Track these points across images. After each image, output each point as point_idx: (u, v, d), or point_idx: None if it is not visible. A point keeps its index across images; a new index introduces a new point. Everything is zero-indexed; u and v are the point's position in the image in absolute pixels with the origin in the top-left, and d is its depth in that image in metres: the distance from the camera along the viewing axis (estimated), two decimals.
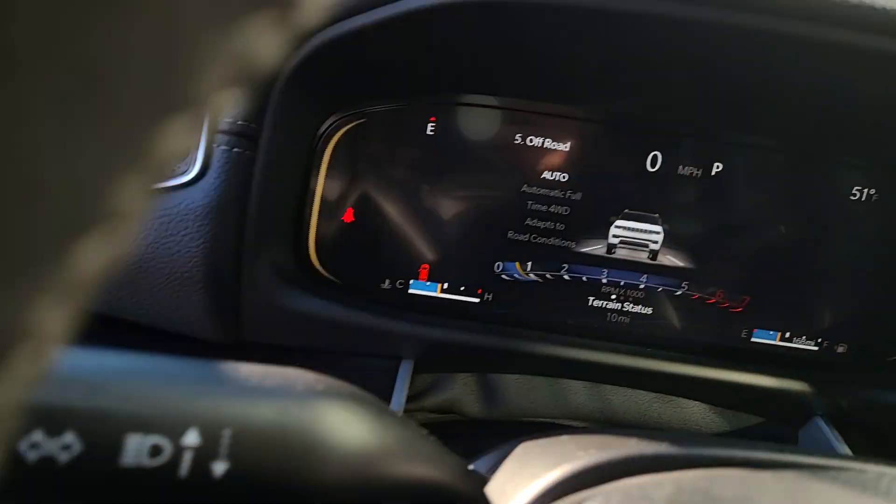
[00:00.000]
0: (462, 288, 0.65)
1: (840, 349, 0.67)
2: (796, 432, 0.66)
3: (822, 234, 0.64)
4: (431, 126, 0.60)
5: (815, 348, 0.67)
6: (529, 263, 0.65)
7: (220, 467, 0.25)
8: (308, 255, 0.61)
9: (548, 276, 0.65)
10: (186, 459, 0.24)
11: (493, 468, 0.36)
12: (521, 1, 0.40)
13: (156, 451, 0.24)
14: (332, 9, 0.45)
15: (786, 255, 0.65)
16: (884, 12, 0.43)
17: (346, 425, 0.28)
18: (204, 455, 0.25)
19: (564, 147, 0.62)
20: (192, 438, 0.25)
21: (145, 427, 0.24)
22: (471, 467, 0.37)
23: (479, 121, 0.61)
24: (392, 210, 0.62)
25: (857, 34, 0.44)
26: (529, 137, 0.61)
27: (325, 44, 0.46)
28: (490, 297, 0.65)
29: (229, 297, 0.54)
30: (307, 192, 0.59)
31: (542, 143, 0.62)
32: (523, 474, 0.32)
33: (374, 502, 0.28)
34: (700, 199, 0.64)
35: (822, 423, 0.63)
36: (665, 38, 0.47)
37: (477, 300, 0.65)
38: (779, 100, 0.55)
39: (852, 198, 0.64)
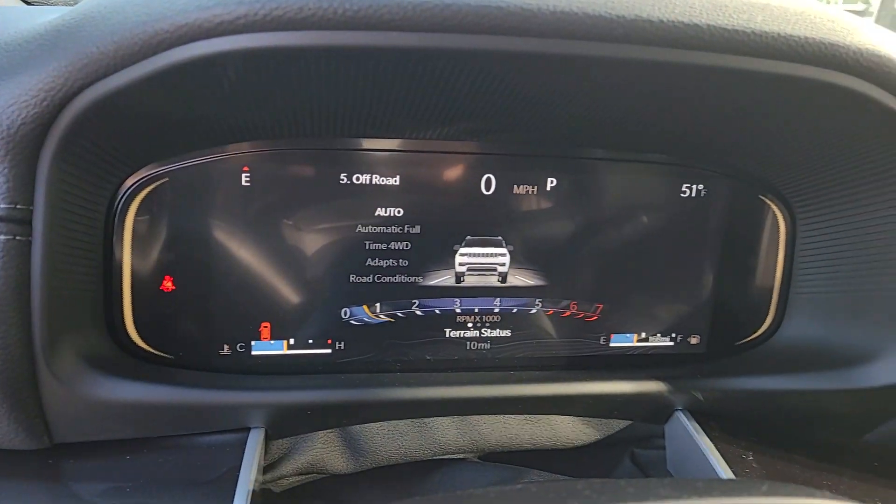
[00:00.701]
0: (310, 341, 0.61)
1: (693, 341, 0.69)
2: (663, 428, 0.67)
3: (659, 233, 0.66)
4: (246, 176, 0.56)
5: (671, 343, 0.69)
6: (378, 305, 0.62)
7: None
8: (127, 334, 0.56)
9: (399, 314, 0.63)
10: None
11: None
12: (278, 47, 0.37)
13: None
14: (93, 66, 0.40)
15: (629, 258, 0.66)
16: (683, 27, 0.43)
17: None
18: None
19: (394, 181, 0.60)
20: None
21: None
22: None
23: (296, 165, 0.58)
24: (217, 270, 0.57)
25: (658, 51, 0.45)
26: (355, 176, 0.59)
27: (92, 104, 0.41)
28: (342, 345, 0.62)
29: (30, 398, 0.47)
30: (113, 266, 0.54)
31: (370, 179, 0.59)
32: None
33: None
34: (539, 216, 0.63)
35: (682, 417, 0.64)
36: (470, 69, 0.46)
37: (328, 351, 0.62)
38: (600, 114, 0.56)
39: (682, 195, 0.66)
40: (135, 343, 0.56)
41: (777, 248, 0.68)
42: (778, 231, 0.68)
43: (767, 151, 0.62)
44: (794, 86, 0.48)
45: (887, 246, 0.60)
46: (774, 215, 0.68)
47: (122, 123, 0.46)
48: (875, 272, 0.61)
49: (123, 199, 0.54)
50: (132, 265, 0.55)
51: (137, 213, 0.54)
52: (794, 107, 0.52)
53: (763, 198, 0.67)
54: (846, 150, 0.57)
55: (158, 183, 0.54)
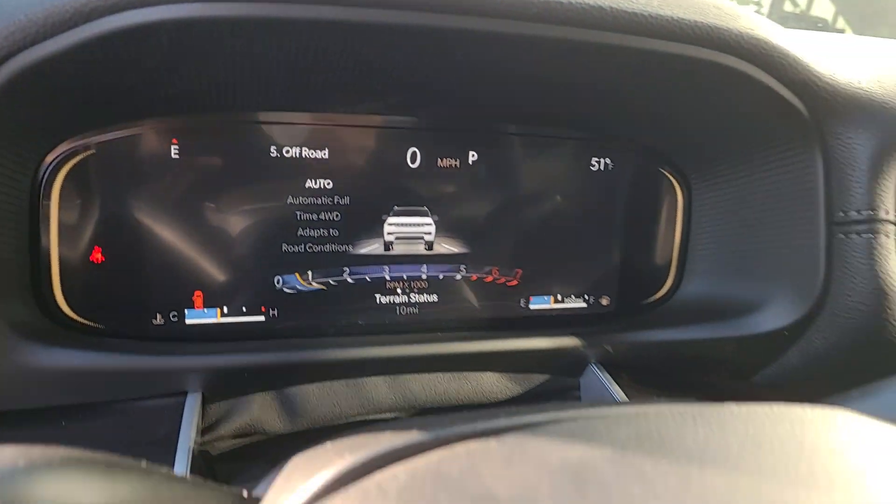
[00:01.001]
0: (244, 308, 0.63)
1: (604, 301, 0.75)
2: (579, 381, 0.73)
3: (571, 204, 0.71)
4: (175, 148, 0.57)
5: (584, 304, 0.75)
6: (310, 273, 0.65)
7: None
8: (57, 305, 0.56)
9: (331, 282, 0.65)
10: None
11: (268, 488, 0.36)
12: (213, 17, 0.39)
13: None
14: (20, 34, 0.41)
15: (545, 227, 0.71)
16: (589, 9, 0.48)
17: (65, 498, 0.26)
18: None
19: (323, 154, 0.62)
20: None
21: None
22: (246, 493, 0.36)
23: (226, 138, 0.59)
24: (148, 241, 0.58)
25: (568, 29, 0.49)
26: (285, 149, 0.61)
27: (19, 72, 0.42)
28: (275, 312, 0.64)
29: None
30: (41, 237, 0.54)
31: (300, 153, 0.61)
32: (286, 489, 0.32)
33: None
34: (463, 188, 0.67)
35: (595, 370, 0.70)
36: (389, 44, 0.49)
37: (262, 318, 0.64)
38: (512, 90, 0.60)
39: (592, 168, 0.71)
40: (65, 314, 0.57)
41: (675, 216, 0.75)
42: (676, 200, 0.75)
43: (665, 127, 0.69)
44: (684, 65, 0.54)
45: (766, 210, 0.67)
46: (672, 186, 0.74)
47: (49, 93, 0.46)
48: (758, 234, 0.69)
49: (49, 171, 0.54)
50: (60, 236, 0.55)
51: (64, 185, 0.54)
52: (685, 84, 0.58)
53: (662, 170, 0.74)
54: (733, 124, 0.64)
55: (86, 154, 0.55)
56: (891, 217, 0.60)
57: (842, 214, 0.61)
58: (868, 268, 0.60)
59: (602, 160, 0.71)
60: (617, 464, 0.28)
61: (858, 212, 0.60)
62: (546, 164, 0.70)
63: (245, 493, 0.36)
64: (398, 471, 0.28)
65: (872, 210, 0.60)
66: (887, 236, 0.60)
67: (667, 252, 0.76)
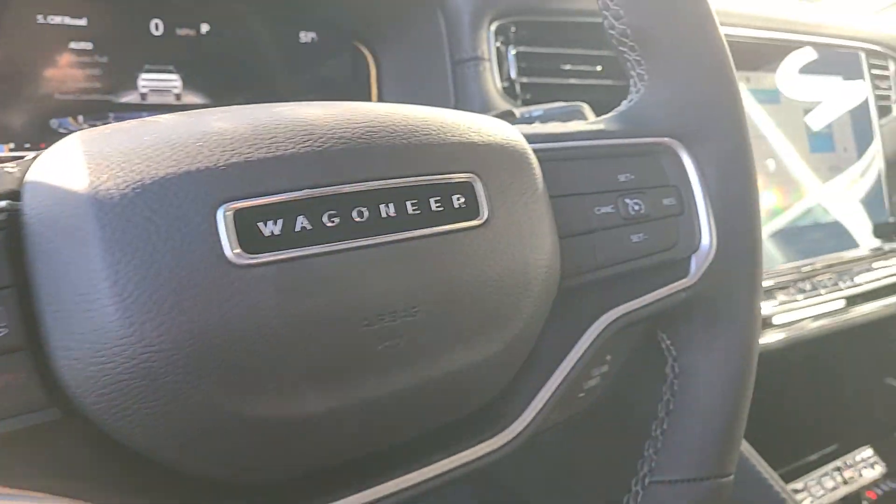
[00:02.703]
0: (27, 145, 0.82)
1: None
2: None
3: (289, 76, 0.97)
4: None
5: None
6: (80, 117, 0.84)
7: None
8: None
9: (98, 125, 0.86)
10: None
11: None
12: None
13: None
14: None
15: (274, 90, 0.96)
16: None
17: None
18: None
19: (83, 22, 0.82)
20: None
21: None
22: None
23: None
24: None
25: None
26: (49, 17, 0.80)
27: None
28: None
29: None
30: None
31: (62, 20, 0.81)
32: None
33: None
34: (201, 54, 0.91)
35: None
36: None
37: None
38: None
39: (301, 41, 0.98)
40: None
41: (370, 88, 1.04)
42: (369, 72, 1.04)
43: (354, 5, 0.97)
44: None
45: (424, 69, 0.99)
46: (365, 59, 1.03)
47: None
48: (419, 82, 1.00)
49: None
50: None
51: None
52: None
53: (356, 44, 1.02)
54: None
55: None
56: (485, 56, 0.93)
57: (458, 56, 0.94)
58: (478, 89, 0.94)
59: (310, 34, 0.98)
60: None
61: (467, 53, 0.93)
62: (265, 38, 0.95)
63: None
64: None
65: (474, 51, 0.93)
66: (484, 68, 0.93)
67: None
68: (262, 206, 0.36)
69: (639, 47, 0.56)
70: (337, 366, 0.38)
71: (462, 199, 0.42)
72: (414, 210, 0.40)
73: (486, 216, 0.43)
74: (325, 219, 0.37)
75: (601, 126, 0.55)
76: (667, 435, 0.55)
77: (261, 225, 0.35)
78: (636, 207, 0.53)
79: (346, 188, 0.38)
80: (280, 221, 0.36)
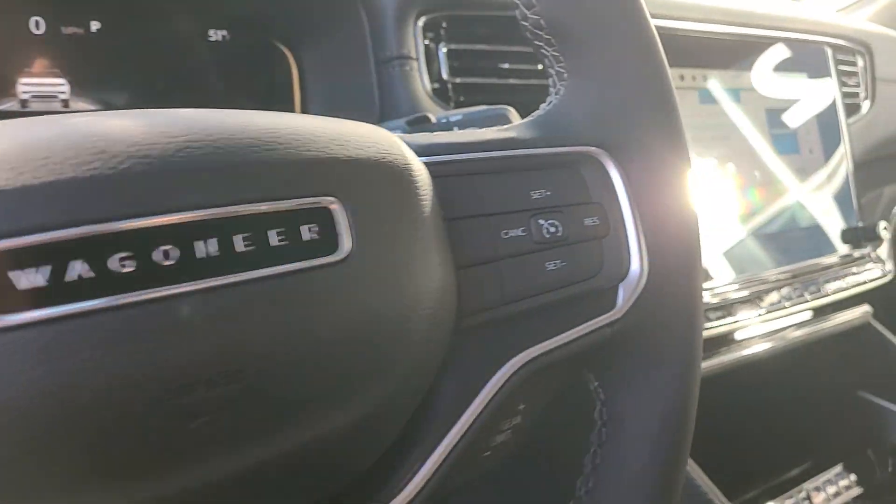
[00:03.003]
0: None
1: None
2: None
3: (188, 74, 0.88)
4: None
5: None
6: None
7: None
8: None
9: None
10: None
11: None
12: None
13: None
14: None
15: (178, 96, 0.87)
16: None
17: None
18: None
19: None
20: None
21: None
22: None
23: None
24: None
25: None
26: None
27: None
28: None
29: None
30: None
31: None
32: None
33: None
34: (89, 55, 0.81)
35: None
36: None
37: None
38: None
39: (210, 39, 0.89)
40: None
41: (292, 91, 0.95)
42: (291, 72, 0.95)
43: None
44: None
45: (351, 63, 0.90)
46: (286, 59, 0.94)
47: None
48: (354, 82, 0.91)
49: None
50: None
51: None
52: None
53: (276, 42, 0.93)
54: None
55: None
56: (412, 54, 0.85)
57: (383, 54, 0.85)
58: (404, 91, 0.85)
59: (220, 32, 0.89)
60: None
61: (391, 51, 0.85)
62: (167, 37, 0.86)
63: None
64: None
65: (400, 49, 0.84)
66: (411, 68, 0.85)
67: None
68: (18, 249, 0.27)
69: (556, 41, 0.48)
70: (134, 456, 0.29)
71: (314, 230, 0.34)
72: (246, 246, 0.31)
73: (347, 250, 0.34)
74: (112, 263, 0.28)
75: (512, 134, 0.47)
76: (592, 495, 0.47)
77: (15, 274, 0.27)
78: (552, 229, 0.45)
79: (146, 222, 0.29)
80: (45, 269, 0.27)
